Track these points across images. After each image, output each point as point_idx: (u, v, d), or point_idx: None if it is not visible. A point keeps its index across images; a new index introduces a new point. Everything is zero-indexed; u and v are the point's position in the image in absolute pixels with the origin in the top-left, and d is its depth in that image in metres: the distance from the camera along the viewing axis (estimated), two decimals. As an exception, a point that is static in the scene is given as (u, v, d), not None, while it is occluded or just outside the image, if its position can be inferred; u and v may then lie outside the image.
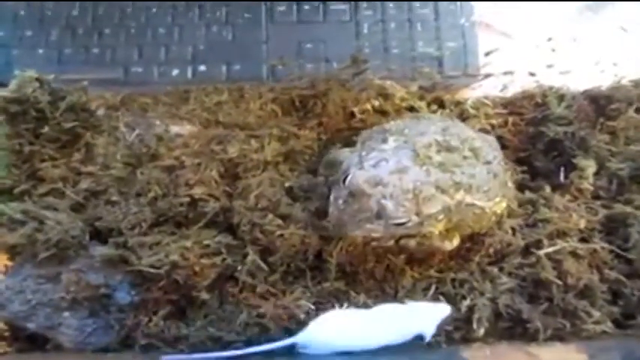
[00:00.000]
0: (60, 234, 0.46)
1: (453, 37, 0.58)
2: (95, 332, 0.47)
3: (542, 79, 0.57)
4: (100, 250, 0.47)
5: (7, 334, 0.48)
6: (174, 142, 0.52)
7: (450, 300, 0.46)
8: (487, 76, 0.58)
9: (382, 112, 0.54)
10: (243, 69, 0.58)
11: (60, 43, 0.59)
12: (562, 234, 0.47)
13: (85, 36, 0.59)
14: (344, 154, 0.48)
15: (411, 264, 0.48)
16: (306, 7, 0.60)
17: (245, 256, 0.47)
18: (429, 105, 0.55)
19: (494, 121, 0.54)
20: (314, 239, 0.47)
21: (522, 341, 0.46)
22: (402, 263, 0.47)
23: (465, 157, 0.45)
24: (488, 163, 0.46)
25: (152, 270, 0.46)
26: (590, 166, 0.50)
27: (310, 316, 0.45)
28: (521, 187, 0.51)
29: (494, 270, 0.47)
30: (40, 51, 0.59)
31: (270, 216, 0.47)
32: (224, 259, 0.47)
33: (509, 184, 0.49)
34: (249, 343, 0.45)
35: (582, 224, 0.48)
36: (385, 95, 0.54)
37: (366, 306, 0.46)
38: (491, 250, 0.48)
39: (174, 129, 0.53)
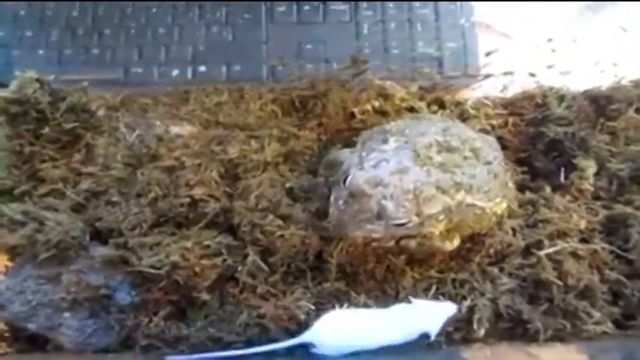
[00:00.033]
0: (60, 235, 0.46)
1: (453, 38, 0.58)
2: (95, 333, 0.47)
3: (543, 80, 0.57)
4: (100, 251, 0.47)
5: (7, 334, 0.48)
6: (175, 143, 0.52)
7: (451, 300, 0.46)
8: (487, 76, 0.58)
9: (382, 113, 0.54)
10: (243, 69, 0.58)
11: (60, 44, 0.59)
12: (562, 234, 0.47)
13: (85, 36, 0.59)
14: (344, 155, 0.48)
15: (412, 264, 0.48)
16: (306, 7, 0.60)
17: (245, 256, 0.47)
18: (429, 105, 0.55)
19: (494, 122, 0.54)
20: (314, 240, 0.47)
21: (523, 342, 0.46)
22: (402, 264, 0.47)
23: (465, 158, 0.45)
24: (488, 163, 0.46)
25: (152, 270, 0.46)
26: (590, 167, 0.50)
27: (311, 316, 0.45)
28: (521, 187, 0.51)
29: (495, 270, 0.47)
30: (41, 51, 0.59)
31: (271, 216, 0.47)
32: (224, 260, 0.47)
33: (510, 184, 0.49)
34: (249, 343, 0.45)
35: (583, 225, 0.48)
36: (385, 96, 0.54)
37: (366, 306, 0.46)
38: (491, 251, 0.48)
39: (175, 129, 0.53)
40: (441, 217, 0.43)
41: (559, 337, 0.46)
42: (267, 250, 0.47)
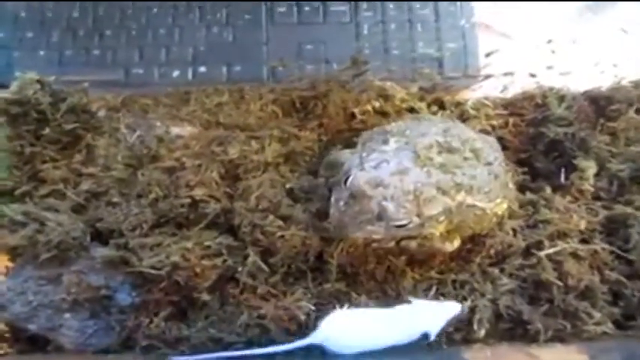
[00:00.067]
0: (61, 235, 0.47)
1: (453, 38, 0.58)
2: (96, 333, 0.47)
3: (543, 80, 0.57)
4: (100, 252, 0.47)
5: (8, 335, 0.48)
6: (175, 144, 0.52)
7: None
8: (487, 77, 0.58)
9: (382, 113, 0.54)
10: (244, 70, 0.58)
11: (61, 45, 0.59)
12: (563, 235, 0.47)
13: (85, 37, 0.59)
14: (345, 156, 0.48)
15: (412, 265, 0.48)
16: (307, 8, 0.60)
17: (246, 257, 0.47)
18: (429, 106, 0.55)
19: (494, 122, 0.54)
20: (315, 240, 0.47)
21: (523, 342, 0.46)
22: (402, 264, 0.47)
23: (465, 159, 0.45)
24: (489, 164, 0.46)
25: (153, 271, 0.46)
26: (590, 167, 0.50)
27: (311, 317, 0.45)
28: (521, 188, 0.51)
29: (495, 271, 0.47)
30: (41, 52, 0.59)
31: (271, 217, 0.47)
32: (225, 261, 0.47)
33: (510, 185, 0.49)
34: (249, 344, 0.45)
35: (583, 225, 0.48)
36: (385, 96, 0.54)
37: (367, 307, 0.46)
38: (492, 252, 0.48)
39: (175, 130, 0.54)
40: (442, 218, 0.43)
41: (559, 338, 0.46)
42: (267, 251, 0.47)
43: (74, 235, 0.47)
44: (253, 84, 0.57)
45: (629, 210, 0.49)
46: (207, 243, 0.47)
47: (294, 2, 0.60)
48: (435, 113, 0.54)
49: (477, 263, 0.48)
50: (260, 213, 0.48)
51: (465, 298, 0.46)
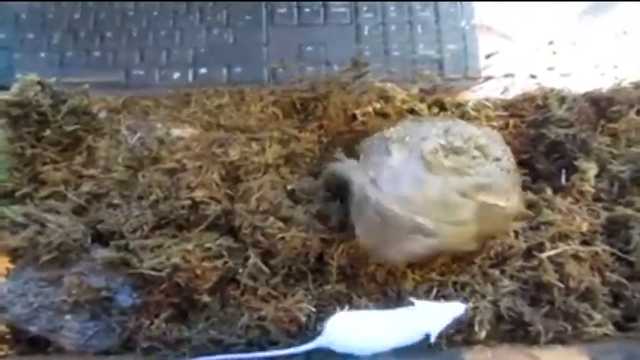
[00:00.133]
0: (62, 237, 0.47)
1: (453, 40, 0.58)
2: (97, 335, 0.47)
3: (543, 82, 0.57)
4: (101, 253, 0.47)
5: (8, 336, 0.48)
6: (176, 145, 0.52)
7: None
8: (488, 78, 0.58)
9: (383, 115, 0.54)
10: (244, 72, 0.58)
11: (62, 47, 0.59)
12: (564, 237, 0.47)
13: (86, 39, 0.60)
14: (349, 169, 0.47)
15: (413, 267, 0.48)
16: (307, 9, 0.60)
17: (246, 258, 0.47)
18: (429, 107, 0.55)
19: (495, 123, 0.54)
20: (315, 242, 0.47)
21: (524, 344, 0.46)
22: (403, 266, 0.47)
23: (474, 157, 0.44)
24: (497, 159, 0.45)
25: (154, 273, 0.46)
26: (591, 169, 0.50)
27: (311, 318, 0.45)
28: (522, 189, 0.51)
29: (496, 273, 0.47)
30: (42, 54, 0.59)
31: (272, 219, 0.47)
32: (225, 262, 0.47)
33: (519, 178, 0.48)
34: (250, 345, 0.45)
35: (585, 227, 0.47)
36: (386, 98, 0.54)
37: (367, 309, 0.46)
38: (492, 253, 0.48)
39: (176, 132, 0.54)
40: (471, 221, 0.43)
41: (560, 340, 0.46)
42: (268, 253, 0.47)
43: (75, 236, 0.47)
44: (254, 85, 0.57)
45: (629, 211, 0.48)
46: (207, 245, 0.47)
47: (294, 4, 0.60)
48: (435, 114, 0.54)
49: (478, 265, 0.47)
50: (260, 214, 0.48)
51: (465, 300, 0.46)
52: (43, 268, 0.47)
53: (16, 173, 0.52)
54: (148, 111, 0.56)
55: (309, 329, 0.46)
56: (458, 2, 0.60)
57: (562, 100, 0.54)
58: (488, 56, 0.58)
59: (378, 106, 0.54)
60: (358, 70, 0.56)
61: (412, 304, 0.45)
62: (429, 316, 0.44)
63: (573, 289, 0.46)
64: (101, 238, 0.49)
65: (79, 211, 0.50)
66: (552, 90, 0.55)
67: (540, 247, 0.47)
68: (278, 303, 0.46)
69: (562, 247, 0.47)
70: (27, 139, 0.52)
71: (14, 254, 0.49)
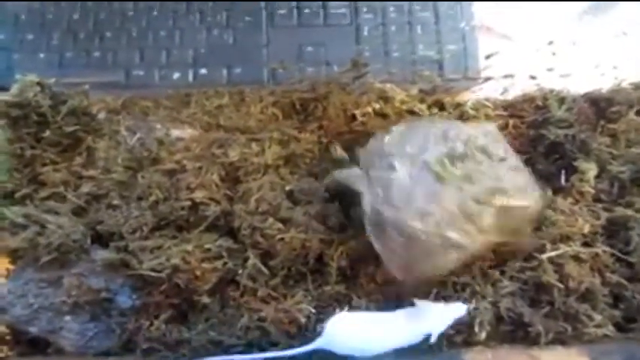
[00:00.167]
0: (61, 238, 0.47)
1: (453, 41, 0.58)
2: (96, 336, 0.47)
3: (543, 82, 0.57)
4: (101, 254, 0.47)
5: (8, 337, 0.48)
6: (175, 146, 0.52)
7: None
8: (487, 79, 0.58)
9: (383, 115, 0.54)
10: (244, 72, 0.58)
11: (61, 47, 0.59)
12: (566, 238, 0.47)
13: (86, 39, 0.60)
14: (355, 182, 0.46)
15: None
16: (307, 10, 0.60)
17: (246, 259, 0.47)
18: (429, 108, 0.55)
19: (494, 124, 0.54)
20: (315, 243, 0.47)
21: (524, 345, 0.46)
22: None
23: (479, 162, 0.44)
24: (502, 159, 0.45)
25: (153, 274, 0.46)
26: (591, 169, 0.50)
27: (311, 319, 0.45)
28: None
29: (496, 273, 0.47)
30: (42, 55, 0.59)
31: (271, 220, 0.47)
32: (225, 263, 0.47)
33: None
34: (250, 346, 0.45)
35: (587, 229, 0.47)
36: (385, 98, 0.54)
37: (367, 310, 0.46)
38: (492, 254, 0.47)
39: (175, 133, 0.53)
40: (494, 226, 0.43)
41: (560, 340, 0.46)
42: (267, 254, 0.47)
43: (74, 237, 0.47)
44: (253, 86, 0.57)
45: (629, 212, 0.48)
46: (207, 246, 0.47)
47: (294, 4, 0.60)
48: (435, 115, 0.54)
49: (478, 266, 0.47)
50: (260, 215, 0.48)
51: (465, 301, 0.46)
52: (42, 269, 0.47)
53: (15, 174, 0.52)
54: (147, 112, 0.56)
55: (308, 330, 0.46)
56: (457, 3, 0.60)
57: (562, 100, 0.54)
58: (487, 57, 0.58)
59: (377, 106, 0.54)
60: (358, 71, 0.56)
61: (413, 304, 0.45)
62: (430, 317, 0.44)
63: (573, 289, 0.46)
64: (101, 239, 0.49)
65: (78, 212, 0.50)
66: (552, 91, 0.55)
67: (541, 248, 0.47)
68: (278, 304, 0.46)
69: (562, 247, 0.47)
70: (26, 140, 0.52)
71: (14, 255, 0.49)
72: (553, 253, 0.46)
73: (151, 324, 0.47)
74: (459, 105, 0.55)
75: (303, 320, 0.45)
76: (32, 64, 0.58)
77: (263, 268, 0.47)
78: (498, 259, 0.47)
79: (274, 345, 0.46)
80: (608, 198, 0.50)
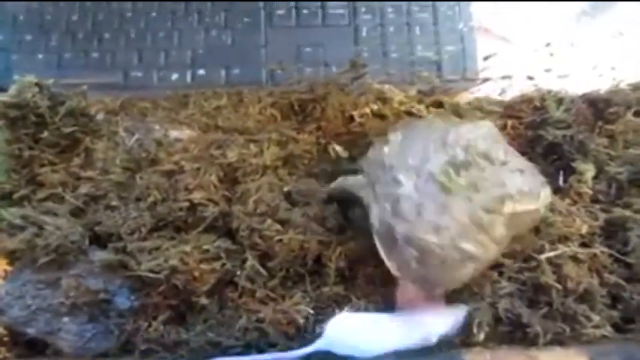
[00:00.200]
0: (59, 239, 0.47)
1: (451, 42, 0.58)
2: (95, 337, 0.47)
3: (541, 83, 0.57)
4: (99, 255, 0.47)
5: (6, 339, 0.48)
6: (174, 147, 0.52)
7: (450, 304, 0.46)
8: (486, 80, 0.58)
9: (381, 116, 0.54)
10: (243, 73, 0.58)
11: (60, 48, 0.59)
12: (564, 238, 0.47)
13: (84, 41, 0.60)
14: (361, 192, 0.45)
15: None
16: (305, 11, 0.60)
17: (244, 261, 0.47)
18: (427, 108, 0.55)
19: (490, 123, 0.54)
20: (313, 244, 0.47)
21: (522, 345, 0.46)
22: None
23: (482, 169, 0.43)
24: (504, 163, 0.44)
25: (151, 275, 0.46)
26: (589, 170, 0.50)
27: (309, 320, 0.45)
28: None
29: (494, 274, 0.47)
30: (40, 56, 0.59)
31: (269, 221, 0.47)
32: (223, 264, 0.47)
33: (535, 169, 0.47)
34: (248, 347, 0.45)
35: (585, 229, 0.47)
36: (384, 99, 0.54)
37: (366, 311, 0.46)
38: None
39: (174, 134, 0.53)
40: (506, 234, 0.43)
41: (558, 341, 0.46)
42: (265, 255, 0.47)
43: (73, 238, 0.47)
44: (252, 87, 0.57)
45: (627, 213, 0.49)
46: (205, 247, 0.47)
47: (292, 5, 0.60)
48: (431, 114, 0.54)
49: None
50: (258, 217, 0.48)
51: (464, 301, 0.46)
52: (40, 271, 0.47)
53: (13, 175, 0.52)
54: (145, 112, 0.56)
55: (307, 331, 0.45)
56: (456, 4, 0.60)
57: (560, 101, 0.54)
58: (486, 58, 0.58)
59: (375, 107, 0.54)
60: (356, 72, 0.56)
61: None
62: (432, 319, 0.44)
63: (571, 290, 0.46)
64: (99, 240, 0.49)
65: (76, 213, 0.50)
66: (550, 91, 0.55)
67: (540, 249, 0.47)
68: (276, 305, 0.46)
69: (561, 248, 0.47)
70: (24, 141, 0.52)
71: (12, 256, 0.48)
72: (551, 254, 0.46)
73: (150, 325, 0.47)
74: (457, 106, 0.55)
75: (301, 321, 0.45)
76: (31, 64, 0.58)
77: (261, 270, 0.47)
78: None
79: (273, 346, 0.45)
80: (606, 199, 0.50)
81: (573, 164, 0.51)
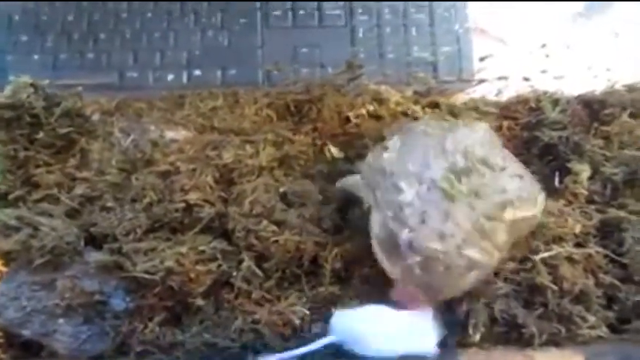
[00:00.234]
0: (55, 240, 0.46)
1: (447, 43, 0.59)
2: (90, 339, 0.47)
3: (537, 84, 0.57)
4: (94, 257, 0.47)
5: (1, 340, 0.48)
6: (169, 148, 0.52)
7: (446, 305, 0.46)
8: (481, 81, 0.58)
9: (377, 117, 0.54)
10: (239, 74, 0.58)
11: (55, 49, 0.59)
12: (558, 239, 0.47)
13: (80, 41, 0.59)
14: (361, 193, 0.45)
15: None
16: (302, 11, 0.60)
17: (240, 262, 0.47)
18: (423, 109, 0.55)
19: (486, 125, 0.54)
20: (309, 245, 0.47)
21: (518, 346, 0.46)
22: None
23: (482, 175, 0.43)
24: (503, 169, 0.44)
25: (147, 276, 0.46)
26: (584, 171, 0.50)
27: (305, 321, 0.45)
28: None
29: (490, 275, 0.47)
30: (35, 56, 0.59)
31: (265, 222, 0.47)
32: (219, 265, 0.47)
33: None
34: (244, 348, 0.45)
35: (578, 229, 0.48)
36: (380, 100, 0.54)
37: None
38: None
39: (169, 134, 0.53)
40: (507, 240, 0.43)
41: (554, 342, 0.46)
42: (261, 256, 0.47)
43: (68, 239, 0.47)
44: (248, 88, 0.57)
45: (622, 213, 0.49)
46: (201, 248, 0.47)
47: (289, 6, 0.60)
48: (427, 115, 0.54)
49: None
50: (254, 218, 0.48)
51: (460, 302, 0.46)
52: (36, 272, 0.47)
53: (8, 176, 0.52)
54: (141, 113, 0.56)
55: (303, 332, 0.45)
56: (452, 5, 0.60)
57: (555, 102, 0.54)
58: (482, 59, 0.59)
59: (372, 108, 0.54)
60: (352, 73, 0.56)
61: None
62: (435, 322, 0.44)
63: (567, 291, 0.46)
64: (94, 242, 0.49)
65: (72, 214, 0.50)
66: (545, 92, 0.55)
67: (534, 250, 0.47)
68: (272, 306, 0.46)
69: (556, 249, 0.47)
70: (20, 142, 0.52)
71: (7, 258, 0.48)
72: (547, 255, 0.46)
73: (145, 326, 0.46)
74: (453, 106, 0.55)
75: (297, 322, 0.45)
76: (26, 65, 0.58)
77: (257, 271, 0.47)
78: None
79: (269, 347, 0.45)
80: (601, 199, 0.50)
81: (569, 165, 0.51)
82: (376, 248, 0.43)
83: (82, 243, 0.48)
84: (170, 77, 0.58)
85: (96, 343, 0.47)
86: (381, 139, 0.49)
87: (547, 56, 0.59)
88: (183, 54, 0.59)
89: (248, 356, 0.45)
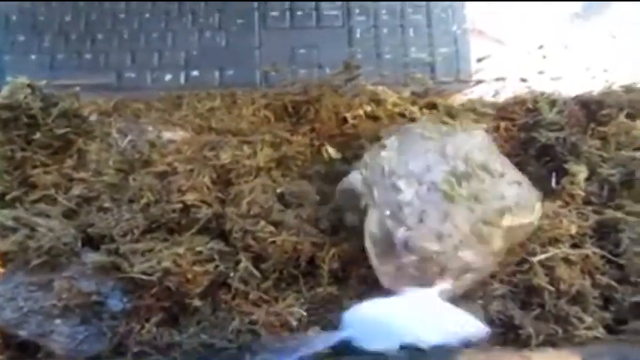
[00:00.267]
0: (52, 241, 0.46)
1: (445, 43, 0.59)
2: (87, 340, 0.46)
3: (534, 85, 0.57)
4: (92, 257, 0.47)
5: (-2, 341, 0.48)
6: (167, 148, 0.52)
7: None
8: (479, 82, 0.58)
9: (374, 118, 0.54)
10: (236, 74, 0.58)
11: (52, 49, 0.59)
12: (554, 240, 0.47)
13: (77, 41, 0.59)
14: (357, 185, 0.45)
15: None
16: (299, 12, 0.60)
17: (237, 262, 0.47)
18: (421, 110, 0.55)
19: (485, 126, 0.54)
20: (306, 245, 0.47)
21: (514, 347, 0.46)
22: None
23: (482, 180, 0.43)
24: (502, 175, 0.45)
25: (144, 277, 0.46)
26: (581, 172, 0.50)
27: (302, 322, 0.45)
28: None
29: (486, 276, 0.47)
30: (33, 57, 0.59)
31: (263, 222, 0.47)
32: (216, 266, 0.47)
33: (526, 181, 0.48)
34: (241, 349, 0.45)
35: (573, 230, 0.48)
36: (377, 101, 0.54)
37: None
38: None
39: (167, 135, 0.53)
40: (503, 247, 0.43)
41: (551, 343, 0.46)
42: (259, 257, 0.47)
43: (65, 240, 0.47)
44: (246, 88, 0.57)
45: (619, 214, 0.49)
46: (198, 248, 0.47)
47: (287, 6, 0.60)
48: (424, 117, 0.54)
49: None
50: (251, 218, 0.48)
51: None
52: (33, 272, 0.47)
53: (5, 176, 0.52)
54: (139, 114, 0.56)
55: (299, 333, 0.45)
56: (450, 6, 0.60)
57: (552, 103, 0.54)
58: (479, 60, 0.59)
59: (369, 109, 0.54)
60: (350, 73, 0.56)
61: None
62: (453, 321, 0.43)
63: (564, 292, 0.46)
64: (92, 242, 0.49)
65: (69, 214, 0.50)
66: (543, 93, 0.55)
67: (531, 251, 0.47)
68: (269, 307, 0.46)
69: (552, 250, 0.47)
70: (17, 142, 0.52)
71: (4, 258, 0.48)
72: (543, 256, 0.46)
73: (142, 327, 0.46)
74: (450, 107, 0.55)
75: (294, 323, 0.45)
76: (23, 65, 0.58)
77: (254, 271, 0.47)
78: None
79: (268, 348, 0.45)
80: (598, 200, 0.50)
81: (566, 166, 0.51)
82: (369, 246, 0.43)
83: (79, 244, 0.48)
84: (168, 78, 0.58)
85: (93, 344, 0.47)
86: (378, 139, 0.49)
87: (544, 57, 0.59)
88: (181, 54, 0.59)
89: (245, 357, 0.45)
